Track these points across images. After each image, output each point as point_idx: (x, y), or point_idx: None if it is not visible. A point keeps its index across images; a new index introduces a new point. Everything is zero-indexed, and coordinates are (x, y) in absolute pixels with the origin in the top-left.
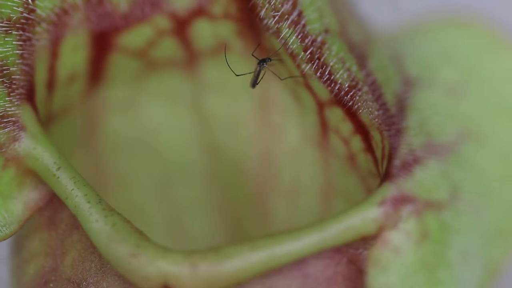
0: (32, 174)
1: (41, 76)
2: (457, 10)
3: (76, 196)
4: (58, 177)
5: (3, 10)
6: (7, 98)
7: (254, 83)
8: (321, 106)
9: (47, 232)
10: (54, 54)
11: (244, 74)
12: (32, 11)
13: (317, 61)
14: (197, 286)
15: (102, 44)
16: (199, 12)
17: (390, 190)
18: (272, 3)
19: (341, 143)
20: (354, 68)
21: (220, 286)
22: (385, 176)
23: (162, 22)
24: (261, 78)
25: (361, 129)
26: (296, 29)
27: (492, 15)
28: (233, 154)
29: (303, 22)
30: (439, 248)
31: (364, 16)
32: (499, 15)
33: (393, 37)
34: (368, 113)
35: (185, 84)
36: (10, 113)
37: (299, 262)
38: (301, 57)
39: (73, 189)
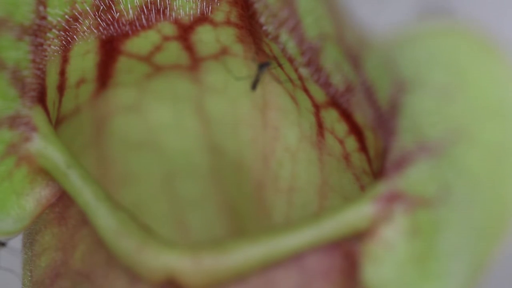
0: (44, 173)
1: (52, 80)
2: (448, 18)
3: (85, 193)
4: (68, 175)
5: (16, 17)
6: (19, 101)
7: (254, 86)
8: (317, 108)
9: (58, 227)
10: (64, 58)
11: (244, 78)
12: (43, 18)
13: (313, 65)
14: (201, 279)
15: (110, 49)
16: (202, 19)
17: (383, 187)
18: (271, 11)
19: (336, 143)
20: (349, 72)
21: (222, 278)
22: (378, 174)
23: (167, 29)
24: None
25: (356, 130)
26: (294, 35)
27: (481, 22)
28: (234, 153)
29: (301, 28)
30: (430, 243)
31: (359, 22)
32: (488, 22)
33: (387, 42)
34: (362, 115)
35: (189, 86)
36: (22, 114)
37: (297, 256)
38: (299, 61)
39: (82, 187)
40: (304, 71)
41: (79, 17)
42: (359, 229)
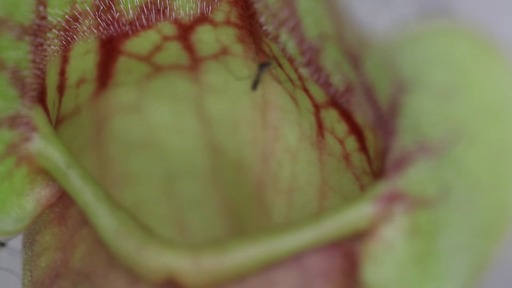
0: (44, 173)
1: (52, 80)
2: (448, 18)
3: (85, 193)
4: (68, 175)
5: (16, 17)
6: (19, 101)
7: (254, 86)
8: (317, 108)
9: (58, 227)
10: (64, 58)
11: (244, 78)
12: (43, 18)
13: (313, 65)
14: (200, 279)
15: (110, 49)
16: (202, 19)
17: (383, 187)
18: (271, 11)
19: (336, 143)
20: (349, 72)
21: (222, 278)
22: (378, 174)
23: (167, 29)
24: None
25: (356, 130)
26: (294, 35)
27: (481, 22)
28: (234, 153)
29: (301, 28)
30: (430, 243)
31: (359, 22)
32: (488, 22)
33: (387, 42)
34: (363, 115)
35: (189, 86)
36: (22, 114)
37: (297, 256)
38: (299, 61)
39: (82, 187)
40: (304, 71)
41: (79, 17)
42: (359, 229)
